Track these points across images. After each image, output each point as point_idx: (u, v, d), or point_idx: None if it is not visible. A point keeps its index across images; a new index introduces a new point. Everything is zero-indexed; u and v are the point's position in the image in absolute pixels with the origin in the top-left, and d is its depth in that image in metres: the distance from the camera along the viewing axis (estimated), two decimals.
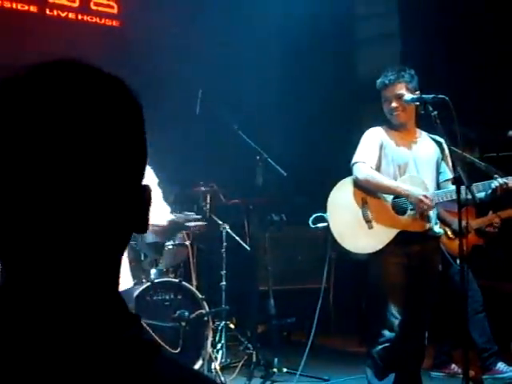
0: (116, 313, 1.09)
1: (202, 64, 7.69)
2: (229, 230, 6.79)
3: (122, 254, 1.13)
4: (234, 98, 7.61)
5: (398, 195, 5.03)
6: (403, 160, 5.08)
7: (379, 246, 4.98)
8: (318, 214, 5.60)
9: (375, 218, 5.08)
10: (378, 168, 5.09)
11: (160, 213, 4.70)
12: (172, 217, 5.17)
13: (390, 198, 5.09)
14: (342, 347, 7.72)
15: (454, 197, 4.75)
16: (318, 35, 8.36)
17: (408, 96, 4.90)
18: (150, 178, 4.60)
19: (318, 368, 6.51)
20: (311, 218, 5.74)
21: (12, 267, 1.05)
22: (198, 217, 5.03)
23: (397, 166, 5.08)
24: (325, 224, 5.30)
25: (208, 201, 7.00)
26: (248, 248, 6.82)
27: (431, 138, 5.20)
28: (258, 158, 6.48)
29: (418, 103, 4.88)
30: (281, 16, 8.71)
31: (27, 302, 1.03)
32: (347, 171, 5.22)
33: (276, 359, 6.40)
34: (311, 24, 8.33)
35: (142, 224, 1.12)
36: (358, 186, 5.12)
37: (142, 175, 1.10)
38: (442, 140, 5.08)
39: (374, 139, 5.14)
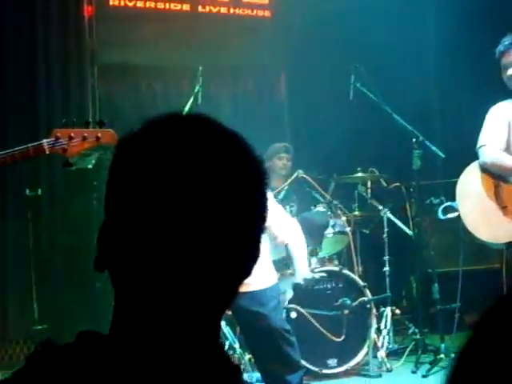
0: (217, 365, 1.12)
1: (354, 48, 7.58)
2: (389, 215, 6.70)
3: (225, 309, 1.18)
4: (388, 81, 7.48)
5: None
6: None
7: None
8: (447, 204, 5.38)
9: (510, 202, 4.71)
10: (508, 148, 4.72)
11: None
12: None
13: None
14: None
15: None
16: (478, 3, 8.03)
17: None
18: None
19: None
20: (440, 209, 5.51)
21: (126, 306, 1.11)
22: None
23: None
24: (456, 214, 5.06)
25: (369, 186, 6.94)
26: (410, 232, 6.70)
27: None
28: (414, 140, 6.34)
29: None
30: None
31: (134, 350, 1.08)
32: None
33: (443, 345, 6.25)
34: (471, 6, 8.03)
35: (246, 277, 1.18)
36: (486, 170, 4.77)
37: (257, 233, 1.16)
38: None
39: (499, 117, 4.77)
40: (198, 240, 1.05)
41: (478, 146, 4.80)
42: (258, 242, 1.16)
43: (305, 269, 5.08)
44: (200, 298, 1.09)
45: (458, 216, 4.95)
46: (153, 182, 1.06)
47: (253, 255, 1.15)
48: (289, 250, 4.94)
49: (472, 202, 4.86)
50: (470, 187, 4.89)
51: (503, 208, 4.72)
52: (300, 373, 4.70)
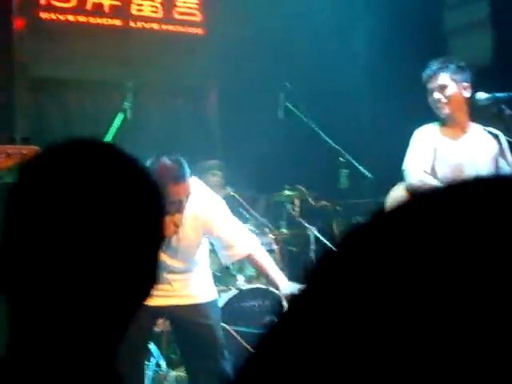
0: None
1: (286, 65, 7.67)
2: (316, 233, 6.76)
3: (124, 331, 1.19)
4: (317, 98, 7.58)
5: None
6: (459, 159, 4.82)
7: None
8: None
9: None
10: (433, 170, 4.86)
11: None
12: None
13: None
14: None
15: None
16: (405, 25, 8.20)
17: (480, 95, 4.73)
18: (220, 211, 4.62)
19: None
20: None
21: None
22: None
23: (453, 166, 4.81)
24: None
25: (297, 204, 6.98)
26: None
27: (487, 131, 4.92)
28: (341, 159, 6.42)
29: (489, 102, 4.68)
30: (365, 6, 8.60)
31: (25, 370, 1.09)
32: None
33: None
34: (399, 13, 8.19)
35: (141, 300, 1.19)
36: (412, 192, 4.89)
37: (150, 256, 1.18)
38: (498, 133, 4.85)
39: (424, 139, 4.92)
40: (89, 262, 1.08)
41: (404, 167, 4.93)
42: (152, 264, 1.18)
43: (284, 277, 4.75)
44: (90, 320, 1.10)
45: None
46: (45, 208, 1.08)
47: (148, 277, 1.17)
48: (255, 262, 4.77)
49: None
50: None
51: None
52: None
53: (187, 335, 4.69)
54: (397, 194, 5.11)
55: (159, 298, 4.40)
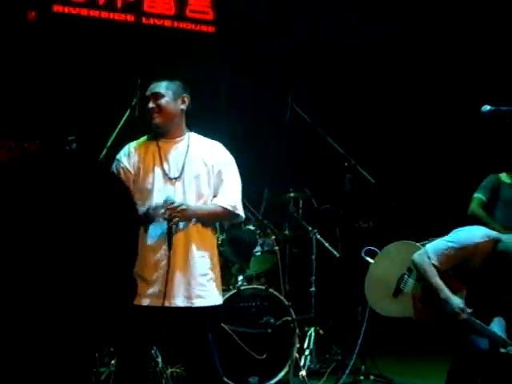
0: None
1: (295, 66, 7.69)
2: (318, 236, 6.79)
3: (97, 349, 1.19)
4: (325, 103, 7.60)
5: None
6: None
7: (398, 315, 5.10)
8: (372, 248, 5.75)
9: (406, 292, 5.04)
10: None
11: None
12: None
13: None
14: None
15: None
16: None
17: (485, 107, 4.66)
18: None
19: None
20: (363, 250, 5.88)
21: None
22: None
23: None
24: (371, 261, 5.67)
25: (300, 206, 6.98)
26: (337, 254, 6.79)
27: None
28: (346, 164, 6.45)
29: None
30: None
31: None
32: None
33: (363, 366, 6.35)
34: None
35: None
36: (414, 263, 4.83)
37: (123, 272, 1.21)
38: None
39: (467, 253, 4.71)
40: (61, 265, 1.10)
41: (428, 250, 4.77)
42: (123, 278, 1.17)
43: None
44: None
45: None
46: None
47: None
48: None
49: (384, 267, 5.31)
50: (395, 256, 5.26)
51: (399, 290, 5.07)
52: None
53: (191, 336, 4.41)
54: (406, 249, 5.13)
55: (159, 298, 4.27)
